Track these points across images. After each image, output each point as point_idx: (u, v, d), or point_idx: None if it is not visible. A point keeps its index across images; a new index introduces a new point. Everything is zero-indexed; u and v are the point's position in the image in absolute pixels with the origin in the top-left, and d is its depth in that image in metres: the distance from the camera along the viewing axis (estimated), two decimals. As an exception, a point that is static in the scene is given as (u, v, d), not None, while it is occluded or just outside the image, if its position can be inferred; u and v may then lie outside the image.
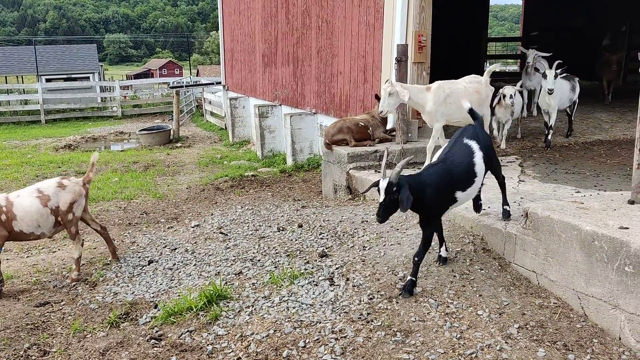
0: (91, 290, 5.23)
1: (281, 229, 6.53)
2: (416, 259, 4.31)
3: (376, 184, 4.05)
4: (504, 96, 8.02)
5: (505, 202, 5.00)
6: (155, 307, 4.75)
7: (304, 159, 10.78)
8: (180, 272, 5.47)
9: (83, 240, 5.70)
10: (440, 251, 4.78)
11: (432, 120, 6.94)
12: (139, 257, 5.98)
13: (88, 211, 5.75)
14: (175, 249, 6.16)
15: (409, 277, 4.34)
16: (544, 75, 7.93)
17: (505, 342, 3.73)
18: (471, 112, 4.86)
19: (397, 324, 4.02)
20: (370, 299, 4.39)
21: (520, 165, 7.51)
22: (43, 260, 6.06)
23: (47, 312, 4.79)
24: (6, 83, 30.46)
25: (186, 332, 4.27)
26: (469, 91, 7.00)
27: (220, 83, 19.08)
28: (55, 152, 14.15)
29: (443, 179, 4.26)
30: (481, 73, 7.70)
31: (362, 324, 4.05)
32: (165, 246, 6.29)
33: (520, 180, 6.60)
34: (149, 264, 5.75)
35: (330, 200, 7.68)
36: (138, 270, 5.62)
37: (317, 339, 3.92)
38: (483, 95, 7.17)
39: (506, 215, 4.96)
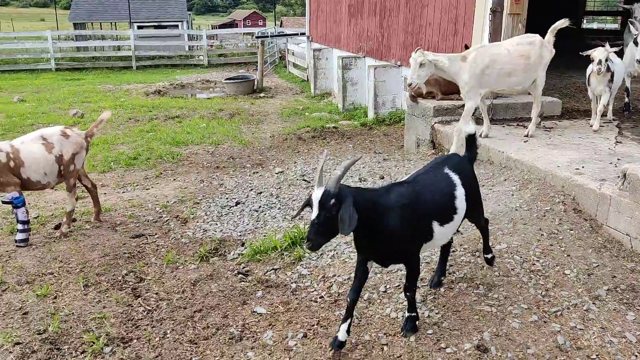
0: (182, 226, 5.51)
1: (362, 179, 6.57)
2: (408, 294, 3.36)
3: (308, 203, 2.97)
4: (593, 61, 6.65)
5: (487, 249, 4.01)
6: (242, 245, 4.96)
7: (385, 112, 10.67)
8: (265, 214, 5.66)
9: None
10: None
11: (465, 95, 6.38)
12: (227, 199, 6.23)
13: (83, 166, 5.54)
14: (261, 192, 6.36)
15: (406, 314, 3.47)
16: (635, 42, 6.85)
17: (593, 303, 3.63)
18: (470, 139, 3.78)
19: (480, 278, 4.00)
20: (453, 251, 4.37)
21: (617, 126, 7.11)
22: (137, 197, 6.42)
23: (142, 244, 5.11)
24: (100, 29, 31.79)
25: (271, 270, 4.45)
26: (513, 56, 6.29)
27: (304, 34, 19.05)
28: (146, 97, 14.73)
29: (413, 201, 3.17)
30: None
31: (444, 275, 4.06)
32: (251, 189, 6.49)
33: (617, 142, 6.26)
34: (236, 205, 5.97)
35: (412, 154, 7.61)
36: (226, 210, 5.86)
37: (398, 285, 3.98)
38: (532, 60, 6.33)
39: (490, 261, 4.03)
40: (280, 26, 23.78)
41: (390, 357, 3.24)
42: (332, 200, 2.81)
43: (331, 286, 4.08)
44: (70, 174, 5.24)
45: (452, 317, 3.57)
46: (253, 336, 3.58)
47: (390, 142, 8.62)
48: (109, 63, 22.57)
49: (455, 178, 3.46)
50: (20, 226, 5.06)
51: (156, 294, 4.18)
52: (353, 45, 13.83)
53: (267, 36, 20.37)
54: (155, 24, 26.39)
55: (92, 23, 30.75)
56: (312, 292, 4.05)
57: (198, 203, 6.12)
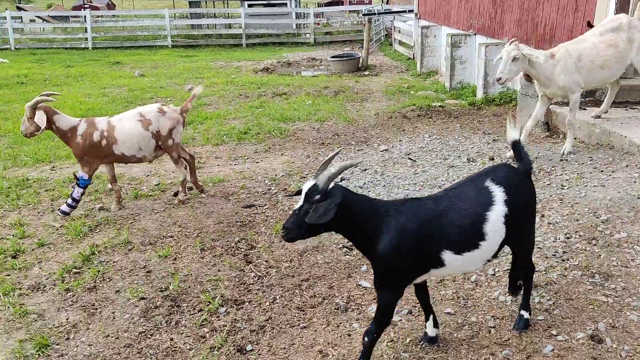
0: (290, 199, 5.69)
1: (471, 160, 6.43)
2: (365, 339, 2.86)
3: (299, 192, 2.80)
4: None
5: (525, 305, 3.27)
6: (348, 220, 5.04)
7: (495, 92, 10.30)
8: (370, 191, 5.71)
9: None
10: (426, 326, 3.22)
11: (564, 93, 6.02)
12: (332, 174, 6.33)
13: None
14: (366, 169, 6.41)
15: None
16: None
17: None
18: (516, 146, 3.13)
19: (596, 267, 3.82)
20: (567, 238, 4.20)
21: None
22: (248, 169, 6.70)
23: (253, 214, 5.34)
24: (213, 7, 33.00)
25: (376, 246, 4.49)
26: (599, 48, 5.86)
27: (411, 11, 18.71)
28: (255, 74, 15.18)
29: (423, 222, 2.72)
30: None
31: (557, 262, 3.92)
32: (356, 166, 6.56)
33: None
34: (341, 181, 6.07)
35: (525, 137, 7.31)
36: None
37: (507, 269, 3.89)
38: (622, 47, 5.87)
39: (522, 325, 3.25)
40: (387, 3, 23.48)
41: (498, 340, 3.19)
42: (318, 196, 2.64)
43: (437, 265, 4.06)
44: (170, 148, 5.49)
45: (565, 305, 3.45)
46: (358, 308, 3.66)
47: (500, 122, 8.33)
48: (220, 40, 23.43)
49: (497, 193, 2.83)
50: (69, 201, 5.40)
51: (266, 261, 4.38)
52: (463, 22, 13.41)
53: (374, 13, 20.21)
54: (265, 1, 26.96)
55: (206, 1, 31.97)
56: (418, 269, 4.05)
57: (304, 177, 6.28)
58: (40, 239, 4.87)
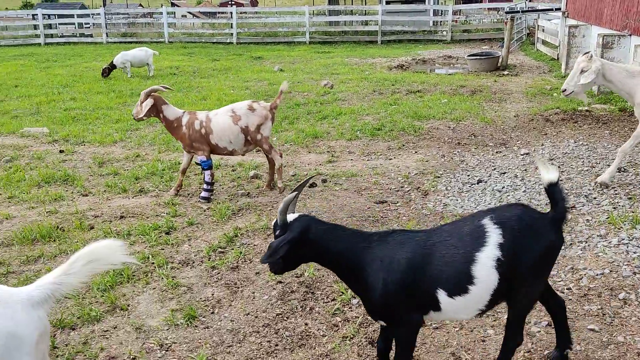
0: (423, 197, 5.66)
1: (622, 169, 5.98)
2: None
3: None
4: None
5: None
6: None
7: (652, 98, 9.45)
8: (509, 195, 5.52)
9: (281, 152, 6.05)
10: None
11: None
12: (468, 176, 6.20)
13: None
14: (504, 173, 6.20)
15: None
16: None
17: None
18: (552, 189, 2.63)
19: None
20: None
21: None
22: (381, 165, 6.75)
23: (385, 210, 5.39)
24: (352, 4, 33.45)
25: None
26: None
27: (558, 9, 17.65)
28: (389, 71, 15.19)
29: (412, 257, 2.50)
30: None
31: None
32: (494, 169, 6.37)
33: None
34: (477, 183, 5.92)
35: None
36: (467, 187, 5.86)
37: (662, 290, 3.59)
38: None
39: None
40: (530, 1, 22.34)
41: (649, 365, 2.97)
42: (277, 231, 2.57)
43: (581, 279, 3.85)
44: (260, 141, 5.79)
45: None
46: (493, 314, 3.57)
47: (657, 131, 7.64)
48: (355, 37, 23.70)
49: (492, 235, 2.48)
50: (205, 186, 5.78)
51: (398, 258, 4.40)
52: (617, 22, 12.42)
53: (518, 12, 19.33)
54: (403, -1, 26.84)
55: (344, -1, 32.49)
56: (559, 282, 3.87)
57: (439, 177, 6.21)
58: (190, 219, 5.28)
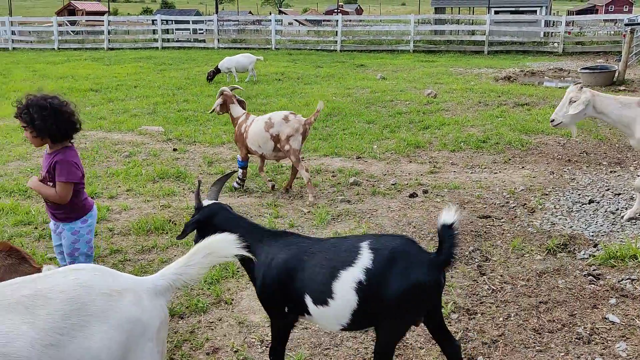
0: (529, 215, 5.46)
1: None
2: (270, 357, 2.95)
3: None
4: None
5: None
6: (595, 246, 4.67)
7: None
8: (623, 218, 5.19)
9: (307, 167, 6.32)
10: None
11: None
12: (579, 195, 5.91)
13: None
14: (619, 194, 5.84)
15: None
16: None
17: None
18: (443, 231, 2.57)
19: None
20: None
21: None
22: (485, 179, 6.58)
23: (488, 225, 5.25)
24: (458, 13, 32.89)
25: (627, 279, 4.10)
26: None
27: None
28: (495, 82, 14.76)
29: (289, 260, 2.68)
30: None
31: None
32: (608, 189, 6.02)
33: None
34: (589, 203, 5.63)
35: None
36: (577, 206, 5.58)
37: None
38: None
39: None
40: (655, 11, 20.88)
41: None
42: (195, 212, 3.03)
43: None
44: (287, 152, 6.02)
45: None
46: (603, 343, 3.38)
47: None
48: (461, 47, 23.25)
49: (363, 258, 2.52)
50: (237, 180, 6.47)
51: (501, 275, 4.28)
52: None
53: (639, 24, 18.13)
54: (513, 8, 25.98)
55: (452, 8, 32.01)
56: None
57: (547, 194, 5.96)
58: (291, 221, 5.42)
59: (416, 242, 2.73)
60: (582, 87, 5.22)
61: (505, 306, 3.84)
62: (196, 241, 2.81)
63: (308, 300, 2.63)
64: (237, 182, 6.51)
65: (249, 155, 6.39)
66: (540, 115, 9.89)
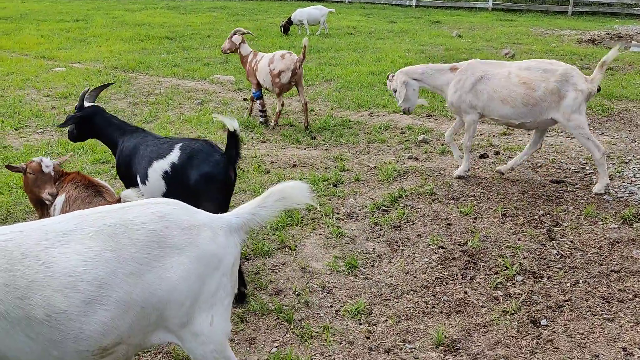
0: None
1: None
2: None
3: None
4: None
5: None
6: (676, 218, 4.43)
7: None
8: None
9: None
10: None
11: (457, 112, 5.31)
12: (661, 165, 5.59)
13: (301, 84, 7.00)
14: None
15: None
16: None
17: None
18: (230, 136, 3.34)
19: None
20: None
21: None
22: (561, 143, 6.32)
23: (561, 190, 5.06)
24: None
25: None
26: (512, 81, 4.86)
27: None
28: (578, 45, 13.97)
29: (133, 146, 3.63)
30: None
31: None
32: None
33: None
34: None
35: None
36: (659, 177, 5.29)
37: None
38: (539, 94, 4.79)
39: None
40: None
41: None
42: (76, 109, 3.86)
43: None
44: (275, 84, 6.81)
45: None
46: (676, 317, 3.24)
47: None
48: (543, 6, 22.04)
49: (173, 154, 3.40)
50: (260, 113, 7.16)
51: (571, 241, 4.14)
52: None
53: None
54: (603, -35, 24.26)
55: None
56: None
57: (626, 162, 5.66)
58: (356, 175, 5.42)
59: (215, 145, 3.50)
60: (389, 76, 5.64)
61: (573, 272, 3.73)
62: (72, 133, 3.96)
63: (137, 179, 3.52)
64: (260, 116, 7.17)
65: (261, 87, 7.12)
66: (625, 81, 9.34)
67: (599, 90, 5.03)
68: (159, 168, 3.39)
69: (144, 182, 3.47)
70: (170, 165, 3.36)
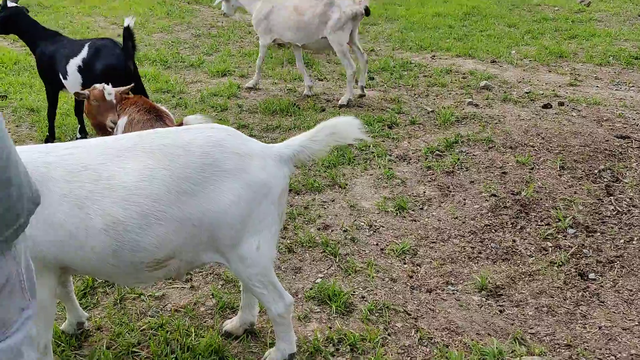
0: (676, 141, 4.97)
1: None
2: None
3: None
4: None
5: None
6: None
7: None
8: None
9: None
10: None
11: (258, 34, 6.20)
12: None
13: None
14: None
15: None
16: None
17: None
18: (125, 32, 4.31)
19: None
20: None
21: None
22: (631, 97, 6.01)
23: (626, 145, 4.86)
24: None
25: None
26: (288, 8, 5.73)
27: None
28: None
29: (52, 49, 4.49)
30: None
31: None
32: None
33: None
34: None
35: None
36: None
37: None
38: (306, 18, 5.62)
39: None
40: None
41: None
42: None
43: None
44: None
45: None
46: None
47: None
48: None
49: (83, 51, 4.31)
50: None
51: (630, 198, 4.01)
52: None
53: None
54: None
55: None
56: None
57: (701, 122, 5.35)
58: (413, 118, 5.36)
59: (117, 43, 4.37)
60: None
61: (629, 229, 3.63)
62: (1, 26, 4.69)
63: (60, 76, 4.41)
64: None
65: None
66: None
67: (367, 12, 5.61)
68: (73, 64, 4.32)
69: (65, 78, 4.40)
70: (82, 61, 4.29)
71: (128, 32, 4.17)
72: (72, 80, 4.38)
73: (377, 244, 3.48)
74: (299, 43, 5.79)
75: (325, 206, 3.89)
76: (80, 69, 4.32)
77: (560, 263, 3.28)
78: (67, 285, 2.51)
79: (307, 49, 6.19)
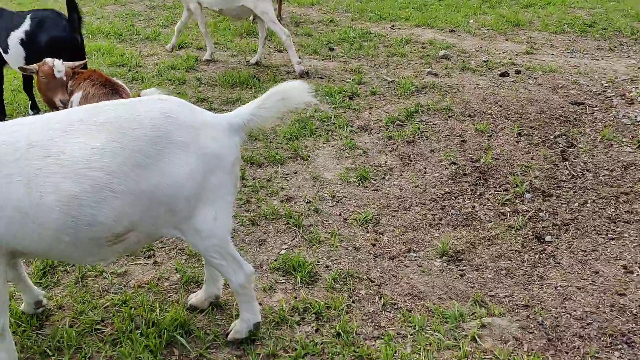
0: (626, 106, 5.11)
1: None
2: None
3: None
4: None
5: None
6: (694, 144, 4.38)
7: None
8: None
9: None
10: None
11: (183, 2, 6.18)
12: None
13: None
14: None
15: None
16: None
17: None
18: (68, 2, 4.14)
19: None
20: None
21: None
22: (585, 65, 6.15)
23: (580, 111, 4.99)
24: None
25: None
26: None
27: None
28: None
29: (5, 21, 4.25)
30: None
31: None
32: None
33: None
34: None
35: None
36: (683, 102, 5.16)
37: None
38: None
39: None
40: None
41: None
42: None
43: None
44: None
45: None
46: (681, 239, 3.28)
47: None
48: None
49: (25, 24, 4.11)
50: None
51: (584, 163, 4.13)
52: None
53: None
54: None
55: None
56: None
57: (651, 87, 5.53)
58: (373, 88, 5.37)
59: (61, 13, 4.20)
60: None
61: (583, 192, 3.75)
62: None
63: (0, 50, 4.21)
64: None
65: None
66: (662, 2, 8.92)
67: None
68: (15, 37, 4.12)
69: (5, 52, 4.20)
70: (24, 33, 4.11)
71: (71, 2, 4.05)
72: (14, 54, 4.17)
73: (340, 214, 3.51)
74: (216, 8, 5.75)
75: (287, 178, 3.88)
76: (22, 42, 4.12)
77: (518, 227, 3.38)
78: (17, 268, 2.45)
79: (224, 15, 6.18)
